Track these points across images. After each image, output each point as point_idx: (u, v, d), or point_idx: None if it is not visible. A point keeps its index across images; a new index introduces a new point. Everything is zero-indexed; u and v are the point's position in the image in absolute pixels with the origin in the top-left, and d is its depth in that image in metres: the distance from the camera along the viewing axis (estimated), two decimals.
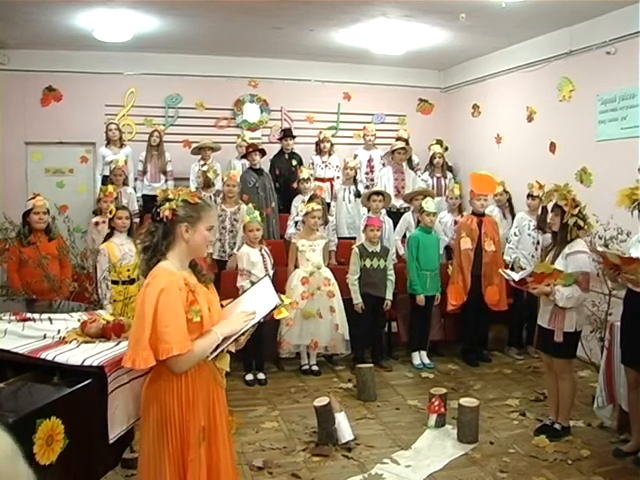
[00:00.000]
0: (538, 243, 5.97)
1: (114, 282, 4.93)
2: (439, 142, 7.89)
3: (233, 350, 2.47)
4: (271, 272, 5.25)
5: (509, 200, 6.62)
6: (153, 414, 2.30)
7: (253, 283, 2.67)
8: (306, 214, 5.67)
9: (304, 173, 6.73)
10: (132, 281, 4.98)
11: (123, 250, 4.96)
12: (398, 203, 7.07)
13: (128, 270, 4.96)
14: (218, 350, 2.32)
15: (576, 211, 3.97)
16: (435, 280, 5.84)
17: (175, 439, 2.27)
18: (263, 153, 7.11)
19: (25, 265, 4.91)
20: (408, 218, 6.51)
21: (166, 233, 2.34)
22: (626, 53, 5.51)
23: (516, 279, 4.13)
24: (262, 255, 5.32)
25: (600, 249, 3.94)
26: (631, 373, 3.86)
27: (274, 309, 2.46)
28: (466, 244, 5.81)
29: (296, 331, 5.47)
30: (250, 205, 5.60)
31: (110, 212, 5.02)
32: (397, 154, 7.22)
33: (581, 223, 3.97)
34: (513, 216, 6.54)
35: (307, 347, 5.58)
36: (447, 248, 6.45)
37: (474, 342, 6.00)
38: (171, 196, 2.37)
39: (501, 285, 5.82)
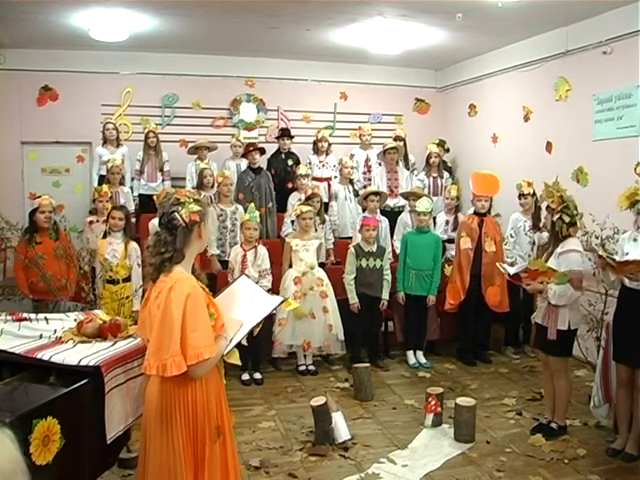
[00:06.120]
0: (534, 243, 5.96)
1: (109, 281, 4.94)
2: (441, 143, 7.83)
3: (245, 343, 2.50)
4: (255, 273, 5.23)
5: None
6: (173, 418, 2.26)
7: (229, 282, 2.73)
8: (298, 216, 5.66)
9: (301, 169, 6.72)
10: (113, 282, 4.98)
11: (109, 249, 4.97)
12: (392, 202, 7.07)
13: (111, 270, 4.96)
14: (228, 348, 2.37)
15: (560, 207, 3.97)
16: (425, 281, 5.77)
17: (191, 439, 2.27)
18: (262, 152, 7.10)
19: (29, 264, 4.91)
20: (405, 218, 6.51)
21: (186, 236, 2.35)
22: (622, 53, 5.52)
23: (511, 273, 4.14)
24: (245, 256, 5.29)
25: (601, 253, 3.91)
26: (622, 370, 3.88)
27: (281, 303, 2.55)
28: (466, 244, 5.79)
29: (289, 331, 5.45)
30: (252, 205, 5.60)
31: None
32: (388, 154, 7.20)
33: (566, 218, 3.95)
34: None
35: (300, 348, 5.54)
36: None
37: (471, 342, 6.00)
38: (182, 199, 2.35)
39: (502, 286, 5.71)
